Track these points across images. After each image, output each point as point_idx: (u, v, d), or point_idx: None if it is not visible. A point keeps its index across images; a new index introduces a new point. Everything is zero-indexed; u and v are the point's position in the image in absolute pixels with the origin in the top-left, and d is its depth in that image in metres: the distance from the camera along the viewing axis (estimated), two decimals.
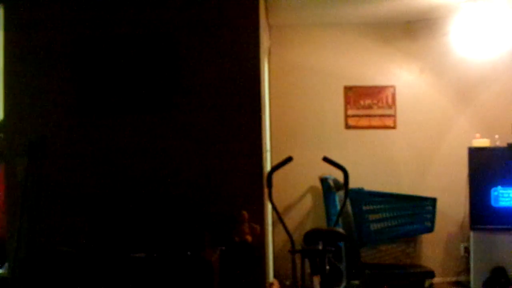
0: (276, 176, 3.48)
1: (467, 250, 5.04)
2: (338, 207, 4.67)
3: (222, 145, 3.82)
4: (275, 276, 4.94)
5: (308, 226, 5.02)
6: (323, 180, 5.12)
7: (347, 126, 5.45)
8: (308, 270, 3.32)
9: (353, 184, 3.64)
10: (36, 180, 3.70)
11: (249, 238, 3.65)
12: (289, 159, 3.42)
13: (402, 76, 5.48)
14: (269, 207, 4.39)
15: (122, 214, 3.60)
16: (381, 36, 5.44)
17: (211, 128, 3.84)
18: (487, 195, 4.80)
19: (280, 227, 3.87)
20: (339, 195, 4.73)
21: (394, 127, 5.45)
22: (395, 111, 5.45)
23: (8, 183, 3.84)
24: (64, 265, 3.34)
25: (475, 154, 4.88)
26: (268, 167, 4.44)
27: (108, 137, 3.85)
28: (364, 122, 5.45)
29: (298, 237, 3.59)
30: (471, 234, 4.86)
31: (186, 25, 3.88)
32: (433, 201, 5.09)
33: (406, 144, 5.43)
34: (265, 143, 4.29)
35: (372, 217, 5.01)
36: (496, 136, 4.97)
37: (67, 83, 3.85)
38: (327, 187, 5.05)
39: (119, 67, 3.84)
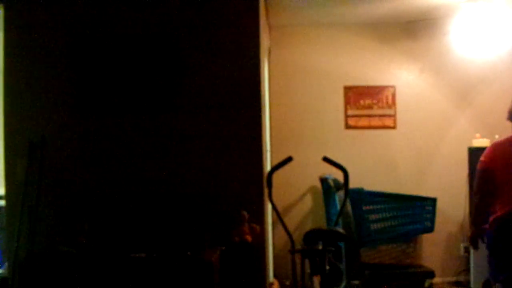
0: (276, 176, 3.47)
1: (467, 250, 5.03)
2: (338, 207, 4.67)
3: (222, 145, 3.82)
4: (275, 276, 4.94)
5: (308, 226, 5.02)
6: (323, 180, 5.12)
7: (347, 126, 5.45)
8: (308, 270, 3.32)
9: (353, 184, 3.64)
10: (36, 180, 3.70)
11: (249, 238, 3.66)
12: (289, 159, 3.42)
13: (402, 76, 5.48)
14: (269, 207, 4.39)
15: (122, 214, 3.60)
16: (381, 36, 5.45)
17: (211, 128, 3.84)
18: None
19: (280, 227, 3.86)
20: (339, 195, 4.72)
21: (394, 127, 5.45)
22: (395, 111, 5.45)
23: (8, 183, 3.84)
24: (64, 265, 3.34)
25: (475, 154, 4.87)
26: (268, 167, 4.44)
27: (108, 137, 3.84)
28: (364, 122, 5.45)
29: (298, 237, 3.58)
30: None
31: (186, 25, 3.87)
32: (433, 201, 5.09)
33: (406, 144, 5.43)
34: (265, 143, 4.29)
35: (372, 217, 5.01)
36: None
37: (67, 83, 3.84)
38: (327, 187, 5.05)
39: (119, 67, 3.83)
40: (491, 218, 3.36)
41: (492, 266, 3.38)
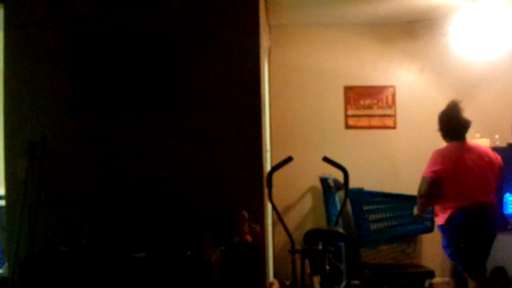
0: (276, 176, 3.47)
1: None
2: (338, 207, 4.66)
3: (222, 145, 3.83)
4: (275, 276, 4.94)
5: (308, 226, 5.01)
6: (323, 180, 5.12)
7: (347, 126, 5.45)
8: (308, 270, 3.32)
9: (353, 184, 3.64)
10: (36, 180, 3.70)
11: (249, 238, 3.66)
12: (289, 159, 3.42)
13: (402, 76, 5.48)
14: (269, 207, 4.39)
15: (122, 214, 3.60)
16: (381, 36, 5.45)
17: (211, 128, 3.84)
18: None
19: (280, 227, 3.87)
20: (339, 195, 4.72)
21: (394, 127, 5.45)
22: (395, 111, 5.45)
23: (8, 183, 3.84)
24: (64, 265, 3.34)
25: None
26: (268, 167, 4.44)
27: (108, 137, 3.85)
28: (364, 122, 5.45)
29: (298, 237, 3.58)
30: None
31: (186, 25, 3.88)
32: None
33: (406, 144, 5.43)
34: (265, 143, 4.29)
35: (372, 217, 5.00)
36: (496, 136, 4.97)
37: (67, 83, 3.85)
38: (327, 187, 5.05)
39: (119, 67, 3.84)
40: (446, 215, 3.73)
41: (453, 255, 3.82)
